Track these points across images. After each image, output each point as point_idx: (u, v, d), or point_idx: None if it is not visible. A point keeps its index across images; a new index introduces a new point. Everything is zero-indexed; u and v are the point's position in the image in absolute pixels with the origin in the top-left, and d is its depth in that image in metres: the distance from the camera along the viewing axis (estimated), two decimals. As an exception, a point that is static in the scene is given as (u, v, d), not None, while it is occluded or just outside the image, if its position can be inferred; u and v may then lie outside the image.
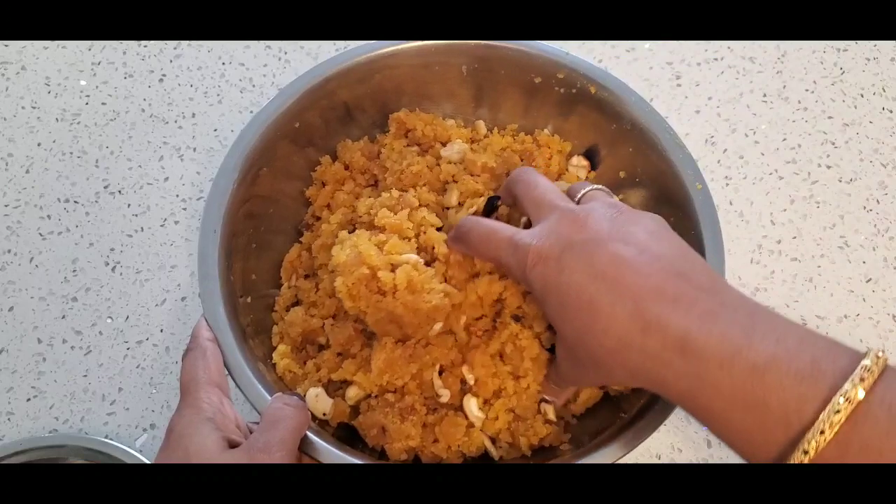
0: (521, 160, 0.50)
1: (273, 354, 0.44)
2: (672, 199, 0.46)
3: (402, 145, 0.51)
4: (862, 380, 0.27)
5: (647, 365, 0.31)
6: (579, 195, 0.40)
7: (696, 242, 0.43)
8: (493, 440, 0.43)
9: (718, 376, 0.29)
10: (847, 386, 0.27)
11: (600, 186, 0.40)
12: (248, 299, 0.46)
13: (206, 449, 0.33)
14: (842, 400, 0.27)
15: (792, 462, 0.27)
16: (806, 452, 0.27)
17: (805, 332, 0.30)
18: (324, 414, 0.42)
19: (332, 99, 0.50)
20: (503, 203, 0.44)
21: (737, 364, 0.29)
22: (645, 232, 0.34)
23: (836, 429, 0.27)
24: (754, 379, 0.29)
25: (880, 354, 0.28)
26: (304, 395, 0.42)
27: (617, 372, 0.34)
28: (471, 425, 0.42)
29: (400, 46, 0.50)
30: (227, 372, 0.40)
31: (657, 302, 0.31)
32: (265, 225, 0.49)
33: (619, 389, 0.43)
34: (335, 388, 0.44)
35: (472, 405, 0.42)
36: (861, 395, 0.27)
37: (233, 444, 0.34)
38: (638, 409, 0.41)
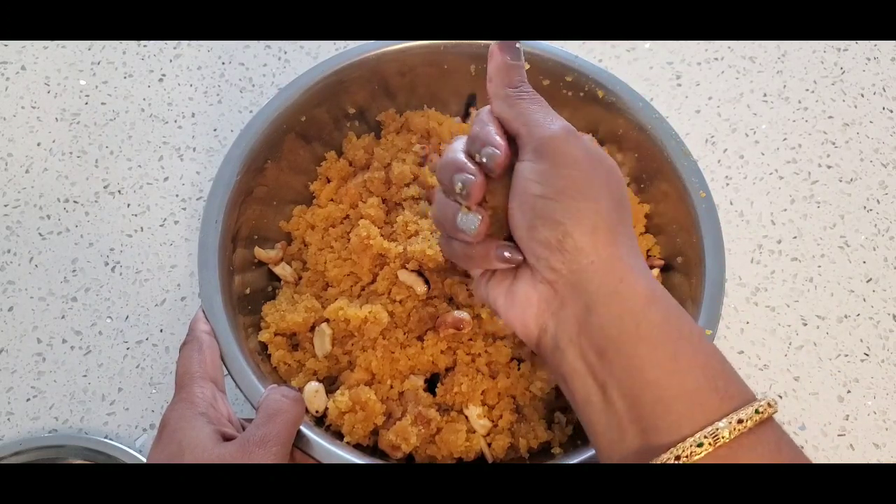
0: None
1: (268, 345, 0.45)
2: (676, 205, 0.46)
3: (408, 142, 0.51)
4: (758, 412, 0.28)
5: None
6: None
7: (697, 248, 0.44)
8: (490, 444, 0.43)
9: (648, 311, 0.30)
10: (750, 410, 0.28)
11: None
12: (248, 290, 0.46)
13: (201, 442, 0.33)
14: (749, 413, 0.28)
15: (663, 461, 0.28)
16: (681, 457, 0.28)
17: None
18: (317, 411, 0.42)
19: (340, 94, 0.50)
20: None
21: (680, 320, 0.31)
22: None
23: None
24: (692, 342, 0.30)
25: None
26: (303, 389, 0.42)
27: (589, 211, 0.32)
28: (471, 430, 0.42)
29: (409, 44, 0.50)
30: (222, 363, 0.40)
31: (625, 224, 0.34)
32: (268, 217, 0.49)
33: None
34: (330, 383, 0.44)
35: (472, 413, 0.42)
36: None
37: (227, 438, 0.34)
38: None
